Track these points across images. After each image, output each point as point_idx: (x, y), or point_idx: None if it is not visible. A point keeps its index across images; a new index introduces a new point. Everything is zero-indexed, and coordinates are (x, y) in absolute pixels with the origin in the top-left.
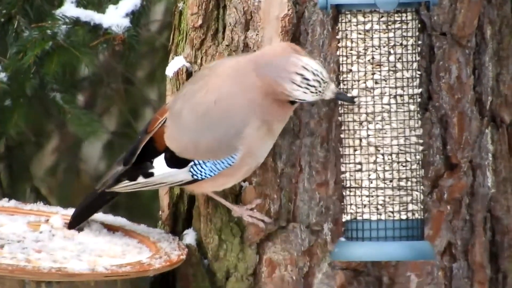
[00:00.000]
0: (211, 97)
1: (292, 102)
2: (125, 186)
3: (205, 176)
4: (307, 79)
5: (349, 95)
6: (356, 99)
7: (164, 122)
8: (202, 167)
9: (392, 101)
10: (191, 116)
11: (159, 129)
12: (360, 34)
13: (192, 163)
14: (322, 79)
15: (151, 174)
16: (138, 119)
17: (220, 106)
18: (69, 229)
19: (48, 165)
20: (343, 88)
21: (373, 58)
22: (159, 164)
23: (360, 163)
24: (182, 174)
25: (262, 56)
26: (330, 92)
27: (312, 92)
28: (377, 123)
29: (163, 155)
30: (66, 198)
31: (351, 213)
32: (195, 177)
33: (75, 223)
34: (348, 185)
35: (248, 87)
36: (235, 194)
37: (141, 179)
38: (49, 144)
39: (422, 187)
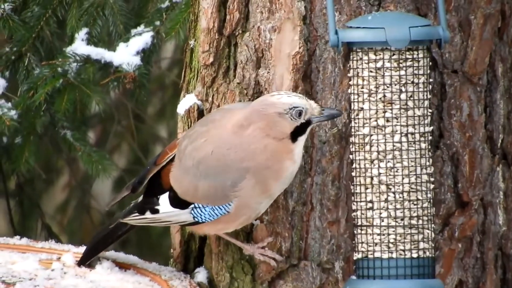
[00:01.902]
0: (210, 147)
1: (294, 138)
2: (135, 218)
3: (205, 220)
4: (284, 92)
5: (360, 133)
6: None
7: (172, 159)
8: (201, 211)
9: (404, 139)
10: (190, 160)
11: (166, 166)
12: (371, 72)
13: (193, 205)
14: (295, 93)
15: (157, 211)
16: (148, 155)
17: (218, 158)
18: (80, 264)
19: (58, 202)
20: (354, 126)
21: (384, 96)
22: (164, 202)
23: (371, 201)
24: (184, 215)
25: (242, 114)
26: (312, 102)
27: (295, 96)
28: (388, 161)
29: (167, 193)
30: (76, 234)
31: (362, 251)
32: (196, 219)
33: (87, 258)
34: (359, 223)
35: (246, 142)
36: (247, 232)
37: (148, 215)
38: (59, 181)
39: (433, 225)
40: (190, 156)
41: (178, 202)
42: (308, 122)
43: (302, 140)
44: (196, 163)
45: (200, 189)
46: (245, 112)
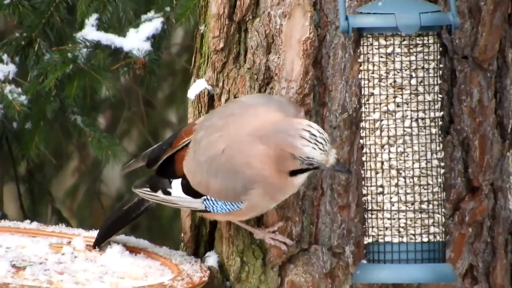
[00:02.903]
0: (222, 145)
1: (292, 174)
2: (146, 192)
3: (216, 211)
4: (315, 135)
5: (370, 118)
6: (351, 172)
7: (187, 144)
8: (214, 203)
9: (414, 124)
10: (203, 155)
11: (181, 152)
12: (382, 57)
13: (205, 197)
14: (326, 138)
15: (169, 193)
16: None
17: (228, 158)
18: (95, 247)
19: (68, 187)
20: (364, 111)
21: (394, 81)
22: (176, 187)
23: (381, 186)
24: (196, 204)
25: (262, 127)
26: (333, 155)
27: (320, 149)
28: (398, 146)
29: (180, 180)
30: (86, 219)
31: (372, 236)
32: (208, 209)
33: (101, 240)
34: (369, 207)
35: (255, 154)
36: (257, 217)
37: (160, 194)
38: (69, 166)
39: (443, 209)
40: (204, 151)
41: (190, 191)
42: (314, 168)
43: (302, 176)
44: (208, 159)
45: (212, 186)
46: (269, 127)
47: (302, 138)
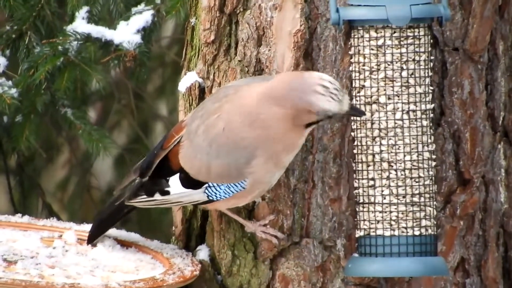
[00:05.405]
0: (221, 124)
1: (308, 125)
2: (143, 201)
3: (220, 198)
4: (327, 87)
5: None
6: (367, 114)
7: (180, 140)
8: (216, 190)
9: (405, 116)
10: (204, 139)
11: (174, 148)
12: (372, 49)
13: (206, 185)
14: (338, 87)
15: (167, 193)
16: (148, 133)
17: (228, 135)
18: (88, 243)
19: (59, 180)
20: (355, 104)
21: (385, 73)
22: (175, 183)
23: (373, 179)
24: (197, 195)
25: (273, 88)
26: (346, 101)
27: (334, 99)
28: (390, 139)
29: (178, 175)
30: (77, 212)
31: (364, 229)
32: (211, 198)
33: (94, 237)
34: (361, 200)
35: (263, 120)
36: (248, 210)
37: (158, 196)
38: (59, 159)
39: (435, 202)
40: (203, 136)
41: (190, 183)
42: (329, 117)
43: (312, 126)
44: (209, 142)
45: (213, 168)
46: (280, 86)
47: (317, 93)
